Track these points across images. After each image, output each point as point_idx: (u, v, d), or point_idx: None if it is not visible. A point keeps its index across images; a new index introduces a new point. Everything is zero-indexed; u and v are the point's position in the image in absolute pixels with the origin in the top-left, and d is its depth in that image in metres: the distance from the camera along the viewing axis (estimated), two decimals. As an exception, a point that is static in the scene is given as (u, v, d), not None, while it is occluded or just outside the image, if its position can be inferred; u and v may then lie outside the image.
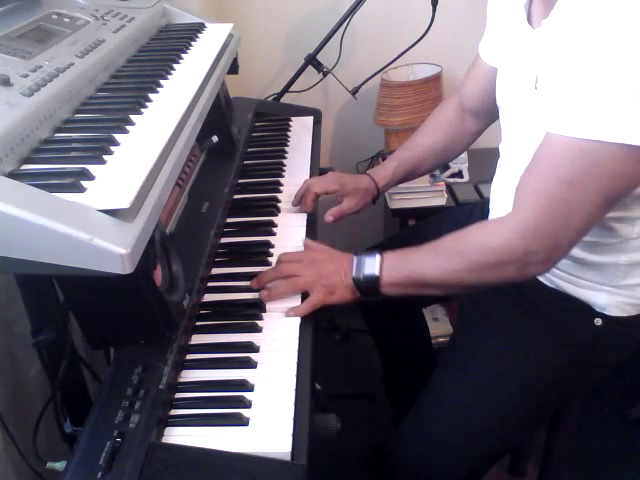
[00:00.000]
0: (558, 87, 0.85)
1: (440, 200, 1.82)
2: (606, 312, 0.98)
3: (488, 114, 1.17)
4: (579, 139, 0.80)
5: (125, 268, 0.58)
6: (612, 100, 0.77)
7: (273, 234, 1.14)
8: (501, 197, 1.10)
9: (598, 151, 0.80)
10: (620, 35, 0.76)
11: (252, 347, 0.88)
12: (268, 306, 0.96)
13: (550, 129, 0.84)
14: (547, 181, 0.84)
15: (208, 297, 0.99)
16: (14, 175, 0.62)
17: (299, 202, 1.21)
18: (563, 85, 0.84)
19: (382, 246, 1.43)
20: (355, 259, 0.99)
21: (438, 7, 1.70)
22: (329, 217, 1.21)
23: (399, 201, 1.83)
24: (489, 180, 1.16)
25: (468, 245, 0.92)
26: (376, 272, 0.96)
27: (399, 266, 0.97)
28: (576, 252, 0.95)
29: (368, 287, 0.97)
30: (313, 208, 1.21)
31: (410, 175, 1.30)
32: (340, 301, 0.98)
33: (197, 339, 0.90)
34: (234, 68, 1.23)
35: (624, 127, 0.77)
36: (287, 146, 1.45)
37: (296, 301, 0.97)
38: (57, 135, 0.73)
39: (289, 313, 0.94)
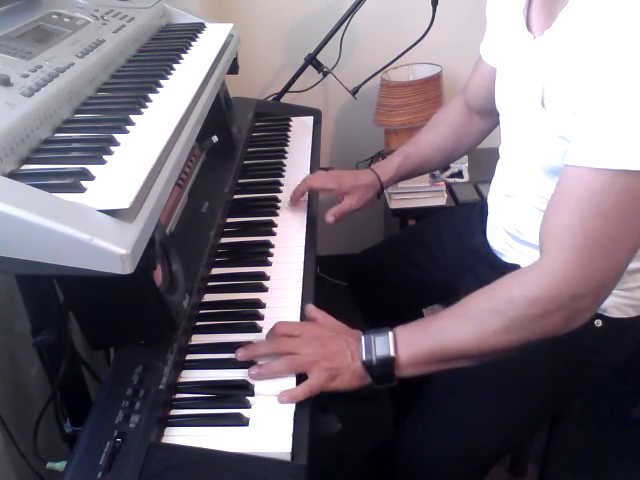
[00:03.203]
0: (572, 113, 0.81)
1: (440, 200, 1.83)
2: (606, 313, 0.98)
3: (494, 113, 1.15)
4: (607, 170, 0.75)
5: (125, 268, 0.58)
6: (634, 125, 0.73)
7: (273, 234, 1.14)
8: (499, 200, 1.09)
9: (628, 179, 0.75)
10: (635, 52, 0.72)
11: (252, 347, 0.88)
12: (266, 310, 0.95)
13: (571, 161, 0.79)
14: (581, 217, 0.77)
15: (208, 297, 0.99)
16: (14, 175, 0.62)
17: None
18: (579, 111, 0.80)
19: (382, 246, 1.44)
20: (363, 339, 0.86)
21: (438, 7, 1.70)
22: (330, 218, 1.20)
23: (399, 201, 1.83)
24: (489, 180, 1.16)
25: (504, 301, 0.82)
26: (391, 352, 0.84)
27: (418, 341, 0.85)
28: None
29: (383, 372, 0.85)
30: (303, 201, 1.21)
31: (415, 171, 1.29)
32: (343, 388, 0.85)
33: (197, 339, 0.90)
34: (234, 68, 1.23)
35: None
36: (287, 146, 1.45)
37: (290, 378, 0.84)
38: (57, 135, 0.73)
39: (282, 398, 0.80)
